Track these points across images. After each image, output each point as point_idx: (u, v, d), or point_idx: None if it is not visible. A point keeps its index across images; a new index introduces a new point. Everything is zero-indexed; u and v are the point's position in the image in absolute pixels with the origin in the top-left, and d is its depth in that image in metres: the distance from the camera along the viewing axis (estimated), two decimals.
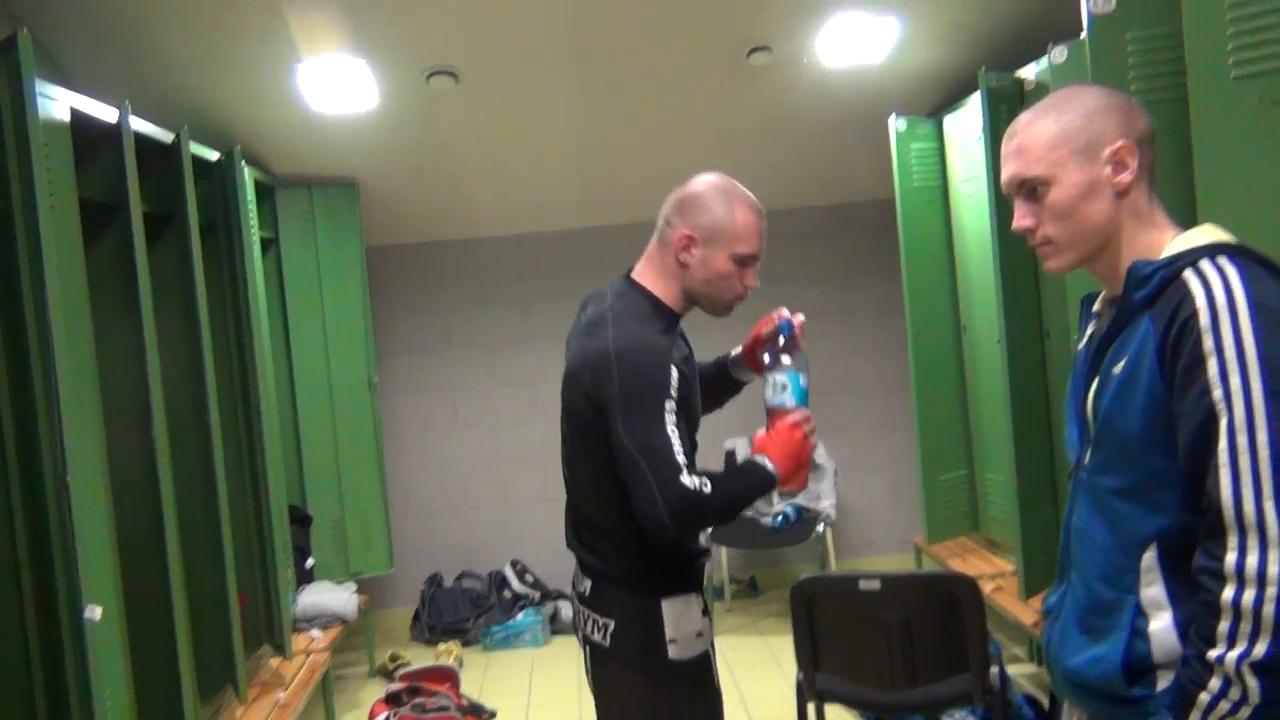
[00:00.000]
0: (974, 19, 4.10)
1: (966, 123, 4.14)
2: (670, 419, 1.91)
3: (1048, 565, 3.64)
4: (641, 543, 1.99)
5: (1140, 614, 1.41)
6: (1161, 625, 1.39)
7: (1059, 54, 3.15)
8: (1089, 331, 1.58)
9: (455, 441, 5.56)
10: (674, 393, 1.92)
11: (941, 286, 4.46)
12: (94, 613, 2.27)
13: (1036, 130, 1.48)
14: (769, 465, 1.98)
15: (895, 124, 4.36)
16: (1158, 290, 1.38)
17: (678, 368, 1.95)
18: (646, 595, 2.03)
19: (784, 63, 4.23)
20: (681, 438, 1.91)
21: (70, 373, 2.35)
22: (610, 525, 2.04)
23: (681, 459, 1.89)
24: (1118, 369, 1.41)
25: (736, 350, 2.32)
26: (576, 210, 5.35)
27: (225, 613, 3.25)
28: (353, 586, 4.54)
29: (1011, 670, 3.46)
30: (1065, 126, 1.46)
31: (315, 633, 4.14)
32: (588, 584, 2.08)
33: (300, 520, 4.54)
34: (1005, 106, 3.59)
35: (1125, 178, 1.44)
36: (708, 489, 1.88)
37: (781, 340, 2.13)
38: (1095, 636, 1.45)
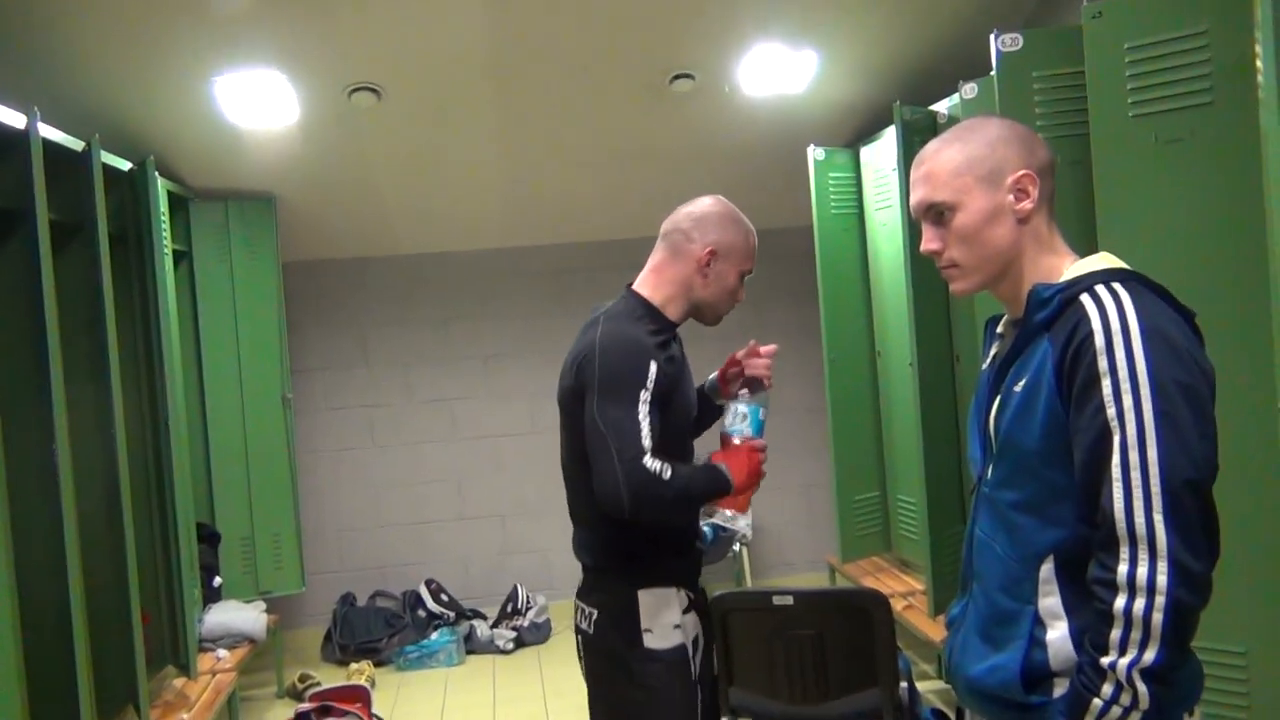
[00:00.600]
0: (889, 55, 4.23)
1: (882, 153, 4.26)
2: (643, 409, 2.04)
3: (957, 583, 3.74)
4: (624, 535, 2.14)
5: (1038, 623, 1.46)
6: (1058, 634, 1.44)
7: (969, 90, 3.27)
8: (992, 352, 1.64)
9: (371, 459, 5.50)
10: (650, 385, 2.06)
11: (857, 312, 4.56)
12: None
13: (943, 158, 1.55)
14: (727, 473, 2.16)
15: (814, 153, 4.46)
16: (1056, 312, 1.45)
17: (659, 365, 2.09)
18: (626, 586, 2.16)
19: (706, 90, 4.30)
20: (653, 427, 2.04)
21: None
22: (596, 519, 2.15)
23: (647, 443, 2.02)
24: (1018, 387, 1.47)
25: (713, 376, 2.49)
26: (498, 230, 5.35)
27: (128, 631, 3.16)
28: (262, 605, 4.45)
29: (921, 686, 3.52)
30: (970, 155, 1.53)
31: (222, 653, 4.04)
32: (581, 578, 2.27)
33: (208, 538, 4.43)
34: (919, 138, 3.70)
35: (1027, 205, 1.51)
36: (667, 475, 2.02)
37: (745, 375, 2.37)
38: (995, 646, 1.50)
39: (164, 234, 3.91)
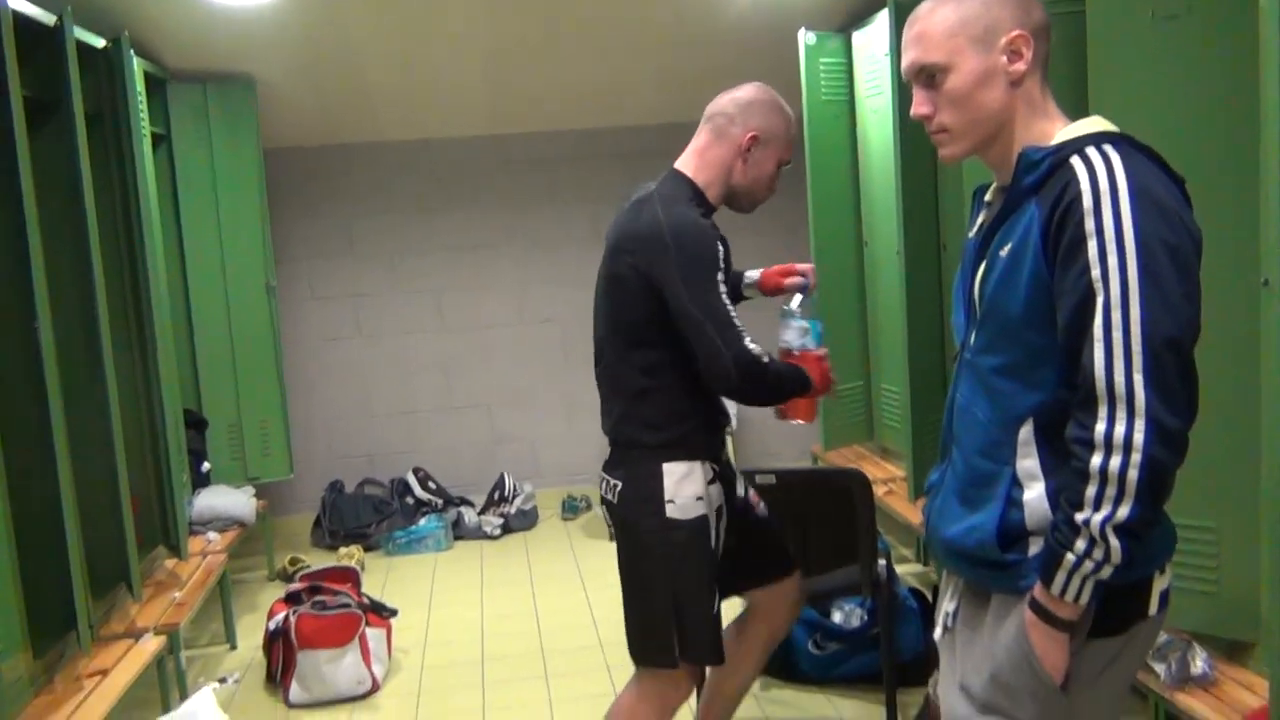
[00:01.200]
0: None
1: (874, 39, 4.17)
2: (723, 289, 2.16)
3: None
4: (654, 409, 2.25)
5: (1015, 484, 1.49)
6: (1035, 495, 1.47)
7: None
8: (979, 221, 1.63)
9: (357, 349, 5.50)
10: (721, 266, 2.18)
11: (845, 201, 4.52)
12: None
13: (936, 18, 1.51)
14: (808, 375, 2.28)
15: (805, 38, 4.37)
16: (1046, 175, 1.44)
17: (723, 245, 2.20)
18: (652, 459, 2.25)
19: None
20: (734, 312, 2.16)
21: None
22: (629, 390, 2.28)
23: (740, 326, 2.15)
24: (1004, 252, 1.47)
25: (753, 272, 2.64)
26: (484, 117, 5.26)
27: (118, 513, 3.18)
28: (250, 490, 4.49)
29: (899, 569, 3.62)
30: (964, 15, 1.49)
31: (212, 535, 4.10)
32: (608, 452, 2.35)
33: (195, 424, 4.45)
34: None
35: (1020, 67, 1.49)
36: (766, 359, 2.18)
37: (801, 296, 2.49)
38: (973, 507, 1.54)
39: (142, 115, 3.82)
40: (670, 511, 2.23)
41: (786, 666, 3.37)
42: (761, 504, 2.54)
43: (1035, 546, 1.47)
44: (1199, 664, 2.44)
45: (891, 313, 4.12)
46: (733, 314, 2.16)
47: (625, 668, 3.67)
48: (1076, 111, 2.46)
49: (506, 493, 5.35)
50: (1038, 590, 1.43)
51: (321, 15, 4.24)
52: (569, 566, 4.74)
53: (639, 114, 5.31)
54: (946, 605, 1.67)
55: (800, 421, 2.41)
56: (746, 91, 2.35)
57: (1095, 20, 2.54)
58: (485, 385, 5.59)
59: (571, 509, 5.44)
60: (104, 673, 2.89)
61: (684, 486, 2.24)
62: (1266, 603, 2.36)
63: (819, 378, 2.33)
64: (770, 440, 5.71)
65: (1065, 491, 1.40)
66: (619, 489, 2.30)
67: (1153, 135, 2.21)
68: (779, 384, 2.26)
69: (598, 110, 5.23)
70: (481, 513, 5.33)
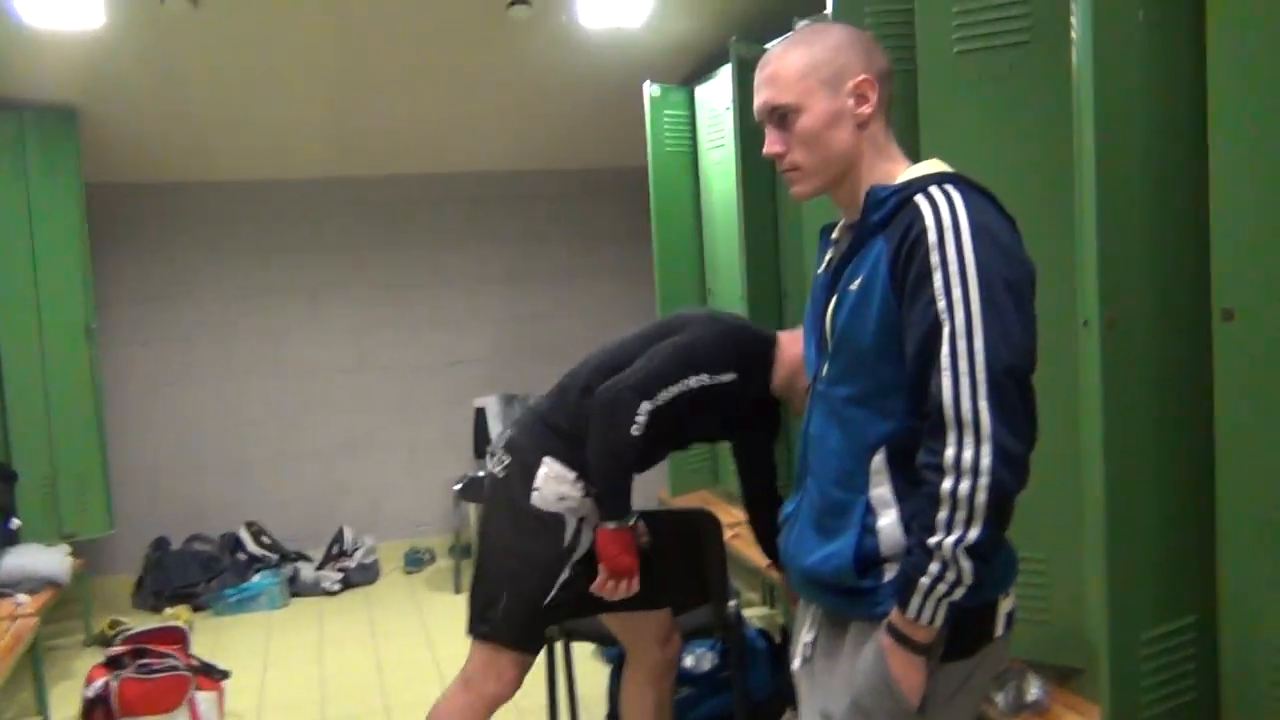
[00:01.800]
0: None
1: (716, 93, 4.30)
2: (690, 382, 2.28)
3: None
4: (568, 420, 2.40)
5: (869, 512, 1.53)
6: (888, 521, 1.52)
7: (804, 26, 3.33)
8: (827, 257, 1.69)
9: (187, 397, 5.23)
10: (712, 380, 2.31)
11: (689, 250, 4.61)
12: None
13: (788, 61, 1.58)
14: (619, 525, 2.32)
15: (650, 90, 4.47)
16: (892, 212, 1.51)
17: (734, 383, 2.35)
18: (539, 450, 2.42)
19: (544, 18, 4.23)
20: (675, 400, 2.26)
21: None
22: (561, 404, 2.45)
23: (659, 401, 2.24)
24: (854, 285, 1.53)
25: None
26: (323, 159, 5.14)
27: None
28: (66, 549, 4.19)
29: (747, 612, 3.66)
30: (814, 58, 1.56)
31: (21, 598, 3.78)
32: None
33: (3, 477, 4.13)
34: (753, 76, 3.75)
35: (866, 110, 1.56)
36: (635, 434, 2.23)
37: None
38: (829, 535, 1.57)
39: None
40: (533, 499, 2.39)
41: None
42: (644, 539, 2.56)
43: (890, 572, 1.51)
44: (1033, 691, 2.54)
45: None
46: (671, 390, 2.25)
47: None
48: (910, 159, 2.60)
49: (346, 546, 5.17)
50: (894, 615, 1.47)
51: (151, 46, 4.07)
52: (413, 621, 4.60)
53: (483, 159, 5.31)
54: (804, 636, 1.69)
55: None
56: None
57: (926, 78, 2.69)
58: (323, 434, 5.41)
59: (415, 562, 5.29)
60: None
61: (551, 484, 2.39)
62: (1093, 630, 2.49)
63: (608, 558, 2.34)
64: None
65: (918, 517, 1.45)
66: (507, 463, 2.46)
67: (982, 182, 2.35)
68: (604, 464, 2.30)
69: (441, 155, 5.19)
70: (320, 567, 5.12)
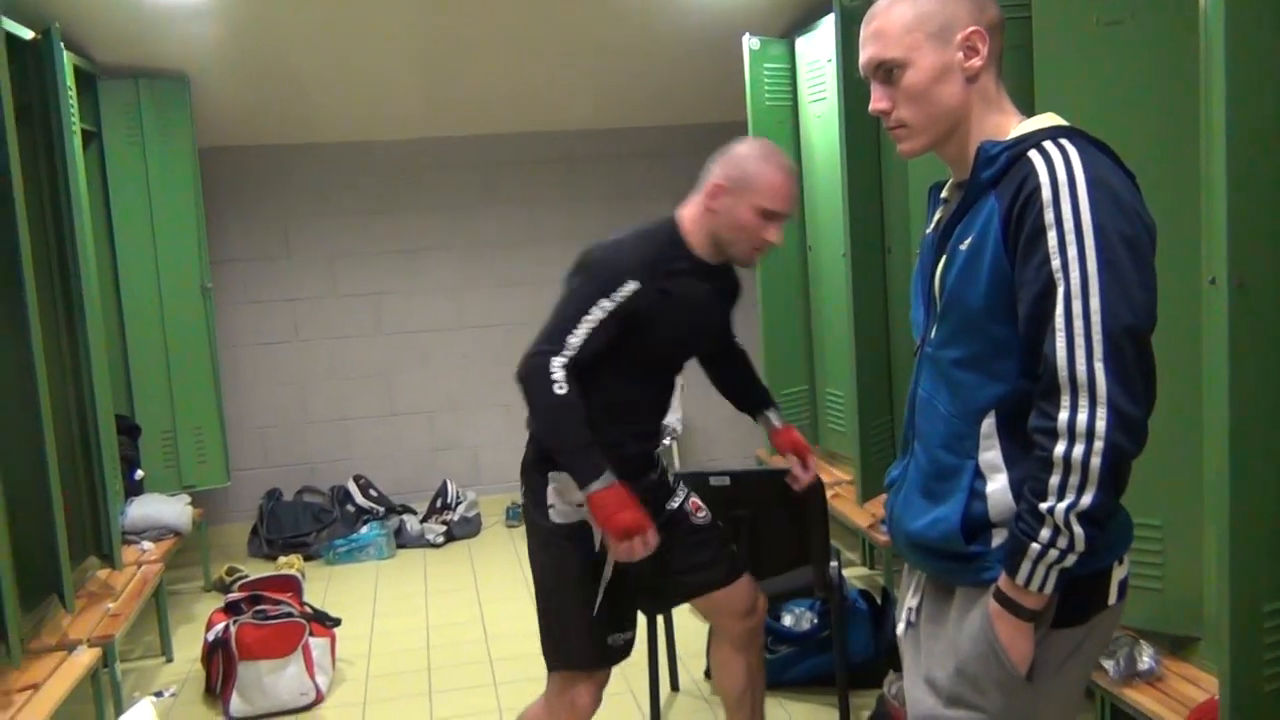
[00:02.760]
0: None
1: (818, 44, 4.21)
2: (594, 314, 2.15)
3: (883, 472, 3.79)
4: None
5: (978, 476, 1.49)
6: (998, 486, 1.48)
7: None
8: (936, 217, 1.64)
9: (295, 354, 5.39)
10: (615, 298, 2.16)
11: None
12: None
13: (894, 14, 1.52)
14: (600, 483, 2.13)
15: (749, 43, 4.39)
16: (1004, 169, 1.45)
17: (641, 288, 2.18)
18: (539, 472, 2.32)
19: None
20: (592, 339, 2.15)
21: None
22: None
23: (570, 349, 2.14)
24: (964, 245, 1.48)
25: (777, 420, 2.62)
26: (420, 119, 5.20)
27: (49, 521, 3.07)
28: (186, 499, 4.37)
29: (846, 572, 3.63)
30: (920, 11, 1.50)
31: (146, 545, 3.97)
32: None
33: (128, 430, 4.32)
34: (857, 28, 3.63)
35: (976, 63, 1.50)
36: (561, 391, 2.12)
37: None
38: (936, 500, 1.54)
39: (72, 111, 3.71)
40: (553, 516, 2.31)
41: None
42: (702, 512, 2.50)
43: (999, 538, 1.47)
44: (1145, 660, 2.48)
45: (836, 317, 4.15)
46: (576, 331, 2.15)
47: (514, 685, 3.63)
48: (1023, 113, 2.51)
49: (449, 500, 5.28)
50: (1003, 581, 1.44)
51: (257, 13, 4.16)
52: (514, 574, 4.69)
53: (578, 119, 5.30)
54: (909, 601, 1.67)
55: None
56: (738, 143, 2.38)
57: (1041, 25, 2.58)
58: (425, 391, 5.52)
59: (515, 516, 5.39)
60: (35, 687, 2.78)
61: (565, 495, 2.29)
62: (1211, 599, 2.41)
63: (613, 520, 2.14)
64: (716, 445, 5.72)
65: (1029, 481, 1.41)
66: (524, 495, 2.39)
67: (1094, 132, 2.26)
68: (552, 426, 2.19)
69: (537, 114, 5.20)
70: (424, 520, 5.26)
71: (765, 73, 4.45)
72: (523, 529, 5.32)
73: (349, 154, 5.30)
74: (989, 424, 1.48)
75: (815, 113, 4.29)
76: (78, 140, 3.80)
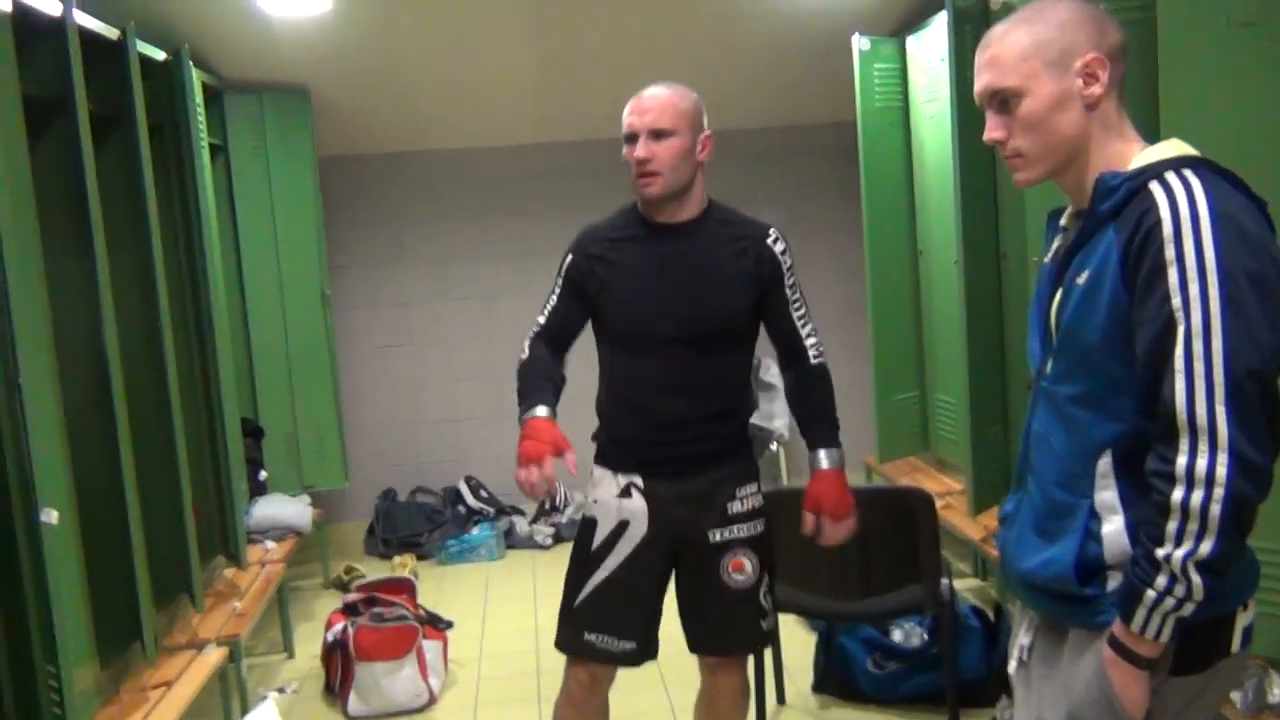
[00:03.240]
0: None
1: (930, 44, 4.12)
2: (555, 289, 2.42)
3: (997, 483, 3.74)
4: (601, 411, 2.47)
5: (1093, 516, 1.45)
6: (1113, 528, 1.43)
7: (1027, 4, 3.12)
8: (1054, 246, 1.59)
9: (408, 356, 5.53)
10: (561, 275, 2.42)
11: (900, 209, 4.47)
12: (50, 516, 2.25)
13: (1010, 41, 1.48)
14: (523, 417, 2.25)
15: (858, 43, 4.32)
16: (1123, 201, 1.40)
17: (580, 258, 2.39)
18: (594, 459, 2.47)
19: None
20: (553, 312, 2.41)
21: (18, 271, 2.28)
22: None
23: (538, 325, 2.42)
24: (1081, 279, 1.44)
25: (826, 463, 2.46)
26: (531, 125, 5.26)
27: (180, 522, 3.22)
28: (307, 499, 4.53)
29: (958, 585, 3.56)
30: (1038, 38, 1.46)
31: (269, 544, 4.13)
32: None
33: (252, 433, 4.50)
34: (970, 27, 3.57)
35: (1096, 90, 1.45)
36: (522, 357, 2.40)
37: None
38: (1049, 539, 1.50)
39: (201, 126, 3.87)
40: (586, 509, 2.45)
41: (846, 686, 3.33)
42: (741, 575, 2.36)
43: (1114, 581, 1.43)
44: (1276, 692, 2.37)
45: (948, 322, 4.07)
46: (545, 309, 2.42)
47: (683, 683, 3.66)
48: (1147, 120, 2.42)
49: (558, 502, 5.35)
50: (1117, 627, 1.40)
51: (373, 25, 4.27)
52: None
53: None
54: (1021, 639, 1.63)
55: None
56: None
57: (1166, 25, 2.48)
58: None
59: None
60: (168, 684, 2.92)
61: (592, 490, 2.43)
62: None
63: (523, 440, 2.19)
64: None
65: (1145, 526, 1.37)
66: None
67: (1227, 145, 2.16)
68: (518, 383, 2.36)
69: None
70: (533, 522, 5.34)
71: (875, 73, 4.38)
72: None
73: (460, 160, 5.41)
74: (1105, 463, 1.44)
75: (927, 114, 4.21)
76: (206, 154, 3.97)
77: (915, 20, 4.32)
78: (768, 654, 3.15)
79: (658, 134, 2.27)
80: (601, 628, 2.38)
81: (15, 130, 2.54)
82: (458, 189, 5.46)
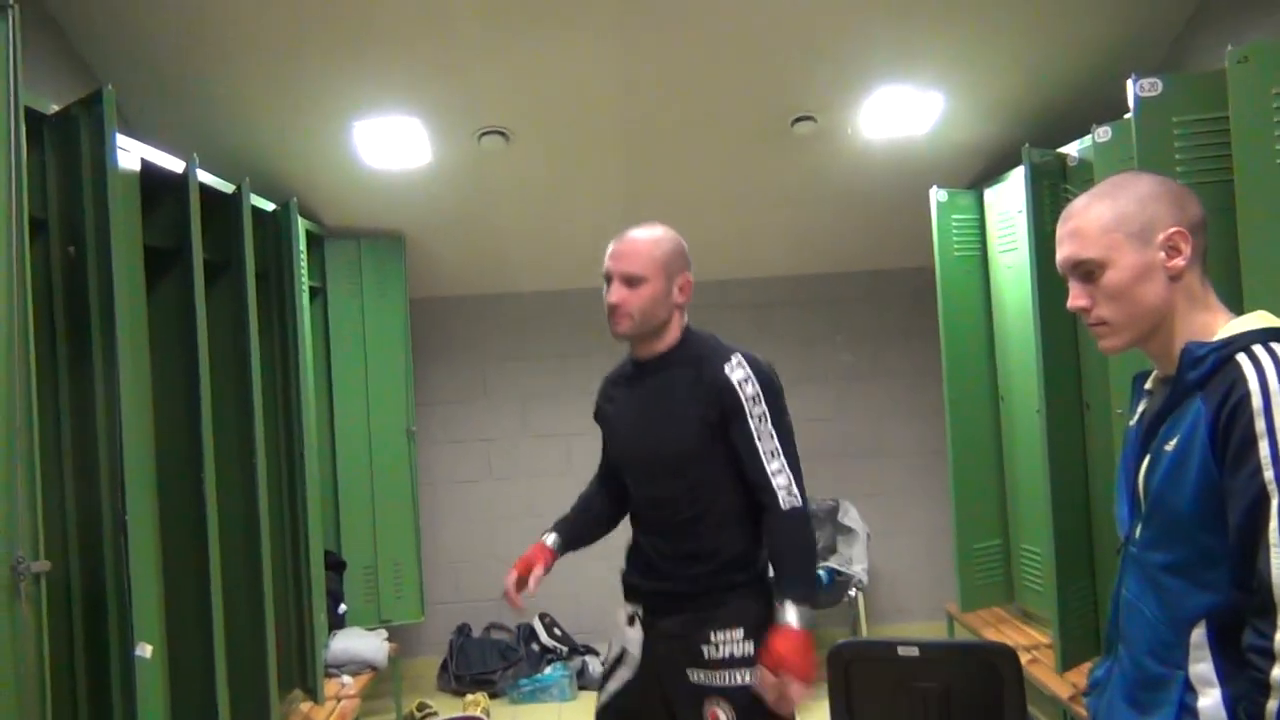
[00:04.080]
0: (1018, 96, 4.17)
1: (1007, 196, 4.19)
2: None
3: (1085, 637, 3.63)
4: None
5: (1189, 689, 1.42)
6: (1210, 702, 1.40)
7: (1103, 133, 3.20)
8: (1140, 409, 1.60)
9: (487, 492, 5.60)
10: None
11: (979, 354, 4.47)
12: (144, 650, 2.32)
13: (1092, 214, 1.52)
14: None
15: (936, 195, 4.42)
16: (1211, 372, 1.42)
17: (599, 397, 2.61)
18: None
19: (827, 132, 4.31)
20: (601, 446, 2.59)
21: (131, 412, 2.41)
22: None
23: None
24: (1169, 447, 1.44)
25: (783, 618, 2.23)
26: None
27: (262, 655, 3.28)
28: (384, 634, 4.56)
29: None
30: (1120, 211, 1.50)
31: (346, 679, 4.15)
32: None
33: (335, 566, 4.57)
34: (1047, 182, 3.64)
35: (1179, 262, 1.48)
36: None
37: None
38: (1143, 711, 1.47)
39: (303, 271, 4.07)
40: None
41: None
42: None
43: None
44: None
45: (1031, 470, 4.01)
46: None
47: None
48: (1227, 282, 2.43)
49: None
50: None
51: (467, 177, 4.50)
52: None
53: (769, 267, 5.41)
54: None
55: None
56: None
57: (1244, 192, 2.51)
58: (611, 533, 5.59)
59: None
60: None
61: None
62: None
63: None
64: (903, 596, 5.56)
65: (1243, 702, 1.34)
66: None
67: None
68: None
69: (729, 261, 5.34)
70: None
71: (953, 223, 4.46)
72: None
73: (545, 302, 5.57)
74: (1199, 634, 1.42)
75: (1005, 263, 4.25)
76: (306, 296, 4.17)
77: (992, 174, 4.41)
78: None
79: (630, 279, 2.36)
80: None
81: (136, 277, 2.72)
82: (541, 329, 5.62)
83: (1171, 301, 1.49)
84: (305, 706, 3.84)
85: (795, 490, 2.24)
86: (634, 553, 2.51)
